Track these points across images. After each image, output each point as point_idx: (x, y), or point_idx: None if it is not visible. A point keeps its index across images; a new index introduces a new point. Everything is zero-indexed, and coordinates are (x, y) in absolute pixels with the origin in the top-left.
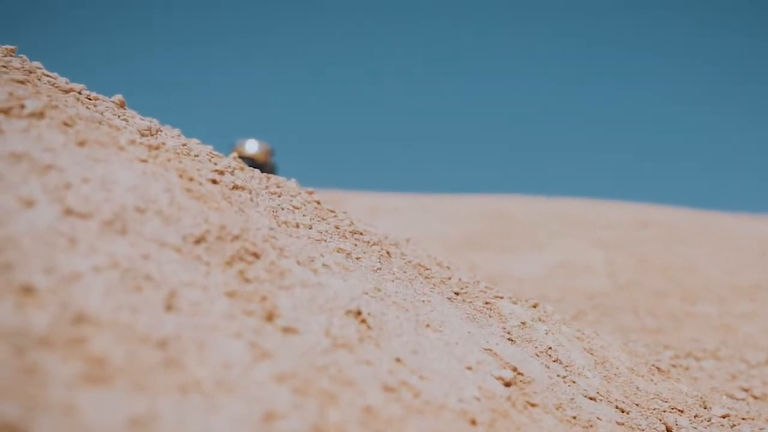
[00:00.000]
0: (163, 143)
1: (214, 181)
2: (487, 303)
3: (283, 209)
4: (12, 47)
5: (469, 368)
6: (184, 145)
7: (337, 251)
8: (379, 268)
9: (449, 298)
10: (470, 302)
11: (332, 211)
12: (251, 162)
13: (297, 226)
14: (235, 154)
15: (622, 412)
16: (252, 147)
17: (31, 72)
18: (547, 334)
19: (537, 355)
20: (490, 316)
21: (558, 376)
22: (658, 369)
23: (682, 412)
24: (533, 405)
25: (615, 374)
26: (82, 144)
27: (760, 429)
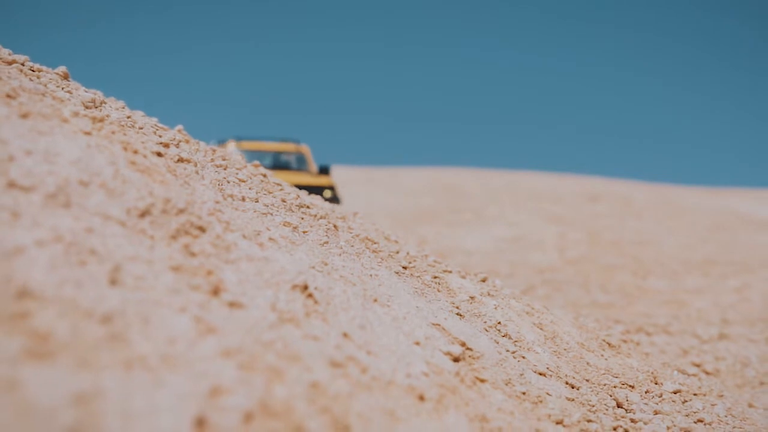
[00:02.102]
0: (108, 115)
1: (159, 154)
2: (435, 277)
3: (229, 182)
4: None
5: (418, 343)
6: (128, 117)
7: (284, 225)
8: (326, 242)
9: (397, 273)
10: (418, 276)
11: (279, 184)
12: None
13: (243, 199)
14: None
15: (572, 387)
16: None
17: None
18: (496, 308)
19: (486, 330)
20: (438, 291)
21: (507, 351)
22: (609, 344)
23: (633, 387)
24: (482, 380)
25: (565, 349)
26: (25, 116)
27: (712, 405)
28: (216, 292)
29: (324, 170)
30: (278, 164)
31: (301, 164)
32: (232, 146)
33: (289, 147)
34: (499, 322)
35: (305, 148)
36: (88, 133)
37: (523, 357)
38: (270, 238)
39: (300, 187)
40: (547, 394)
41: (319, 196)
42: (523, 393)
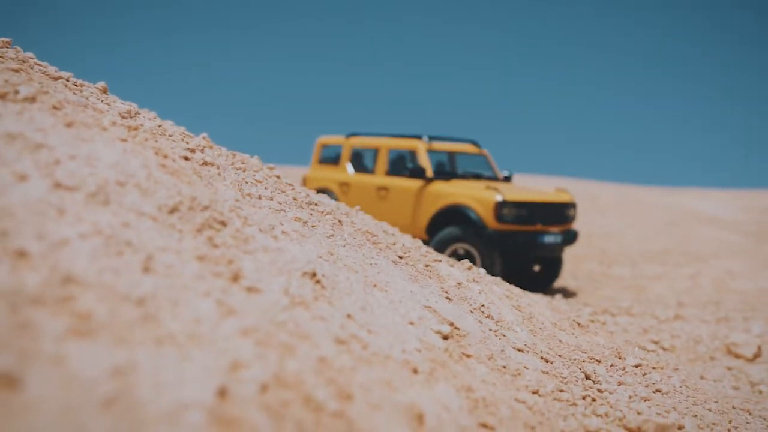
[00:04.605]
0: (141, 124)
1: (186, 158)
2: (427, 266)
3: (247, 183)
4: (7, 40)
5: (412, 323)
6: (159, 126)
7: (295, 220)
8: (332, 235)
9: (394, 262)
10: (413, 265)
11: (290, 185)
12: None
13: (259, 197)
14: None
15: (547, 362)
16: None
17: (24, 61)
18: (480, 293)
19: (471, 312)
20: (430, 277)
21: (490, 330)
22: (579, 324)
23: (599, 361)
24: (468, 356)
25: (540, 328)
26: (69, 125)
27: (669, 377)
28: (236, 278)
29: (507, 179)
30: (467, 171)
31: (487, 170)
32: (422, 146)
33: (471, 148)
34: (483, 305)
35: (486, 151)
36: (124, 140)
37: (504, 335)
38: (283, 232)
39: (546, 205)
40: (525, 367)
41: (325, 195)
42: (504, 367)
